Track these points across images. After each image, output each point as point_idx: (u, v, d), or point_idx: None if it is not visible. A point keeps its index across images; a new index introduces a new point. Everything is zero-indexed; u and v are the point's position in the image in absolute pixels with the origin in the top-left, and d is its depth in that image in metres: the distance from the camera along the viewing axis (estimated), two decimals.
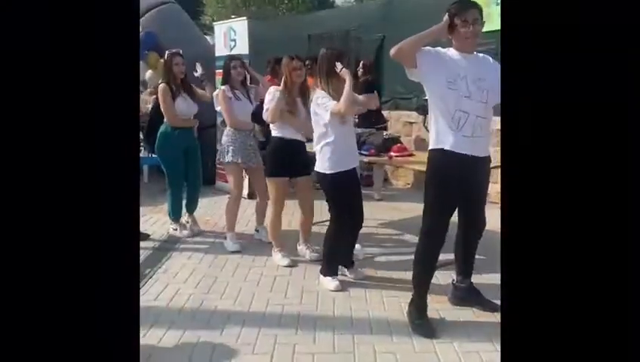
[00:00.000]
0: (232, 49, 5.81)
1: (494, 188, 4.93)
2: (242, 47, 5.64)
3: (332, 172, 3.13)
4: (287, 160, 3.58)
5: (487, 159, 2.72)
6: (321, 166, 3.18)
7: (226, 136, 4.05)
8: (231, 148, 3.98)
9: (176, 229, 4.43)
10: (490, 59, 2.70)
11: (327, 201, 3.28)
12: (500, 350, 2.44)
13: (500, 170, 5.03)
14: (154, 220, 4.88)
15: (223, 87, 4.03)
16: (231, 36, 5.89)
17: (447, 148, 2.56)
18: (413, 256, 2.80)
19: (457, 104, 2.52)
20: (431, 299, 2.85)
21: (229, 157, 3.98)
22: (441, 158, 2.60)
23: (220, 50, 6.05)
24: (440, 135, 2.59)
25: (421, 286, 2.77)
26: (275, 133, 3.63)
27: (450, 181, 2.61)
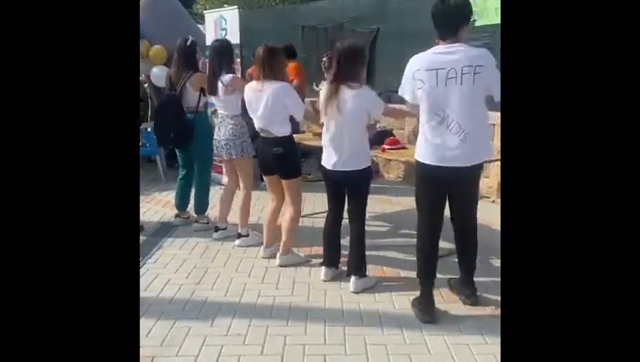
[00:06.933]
0: None
1: (485, 183, 4.96)
2: (233, 37, 5.57)
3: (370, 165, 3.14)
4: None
5: (477, 166, 2.67)
6: (369, 161, 3.10)
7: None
8: (215, 139, 3.94)
9: (207, 223, 4.29)
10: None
11: (358, 201, 3.11)
12: (489, 342, 2.49)
13: (491, 164, 4.98)
14: (145, 209, 4.86)
15: None
16: (222, 25, 5.83)
17: (434, 163, 2.59)
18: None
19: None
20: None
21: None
22: (428, 170, 2.63)
23: (211, 40, 5.97)
24: (428, 148, 2.61)
25: (424, 278, 2.78)
26: (287, 132, 3.39)
27: (439, 189, 2.69)
